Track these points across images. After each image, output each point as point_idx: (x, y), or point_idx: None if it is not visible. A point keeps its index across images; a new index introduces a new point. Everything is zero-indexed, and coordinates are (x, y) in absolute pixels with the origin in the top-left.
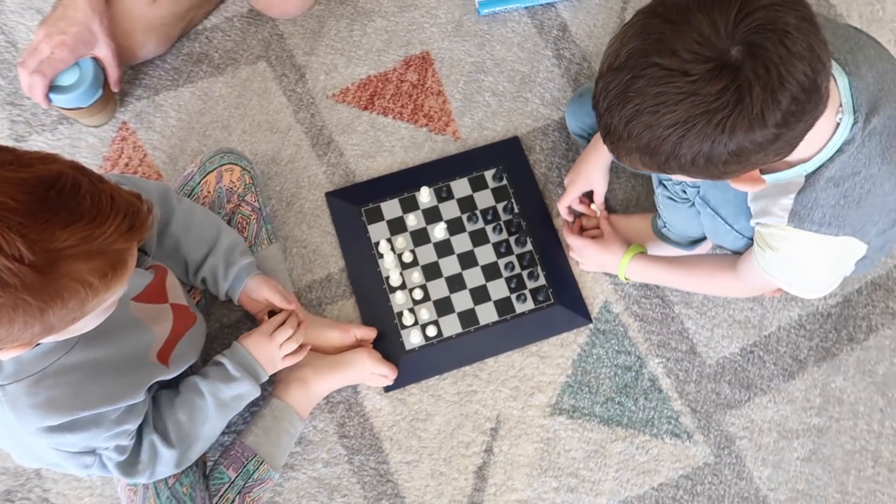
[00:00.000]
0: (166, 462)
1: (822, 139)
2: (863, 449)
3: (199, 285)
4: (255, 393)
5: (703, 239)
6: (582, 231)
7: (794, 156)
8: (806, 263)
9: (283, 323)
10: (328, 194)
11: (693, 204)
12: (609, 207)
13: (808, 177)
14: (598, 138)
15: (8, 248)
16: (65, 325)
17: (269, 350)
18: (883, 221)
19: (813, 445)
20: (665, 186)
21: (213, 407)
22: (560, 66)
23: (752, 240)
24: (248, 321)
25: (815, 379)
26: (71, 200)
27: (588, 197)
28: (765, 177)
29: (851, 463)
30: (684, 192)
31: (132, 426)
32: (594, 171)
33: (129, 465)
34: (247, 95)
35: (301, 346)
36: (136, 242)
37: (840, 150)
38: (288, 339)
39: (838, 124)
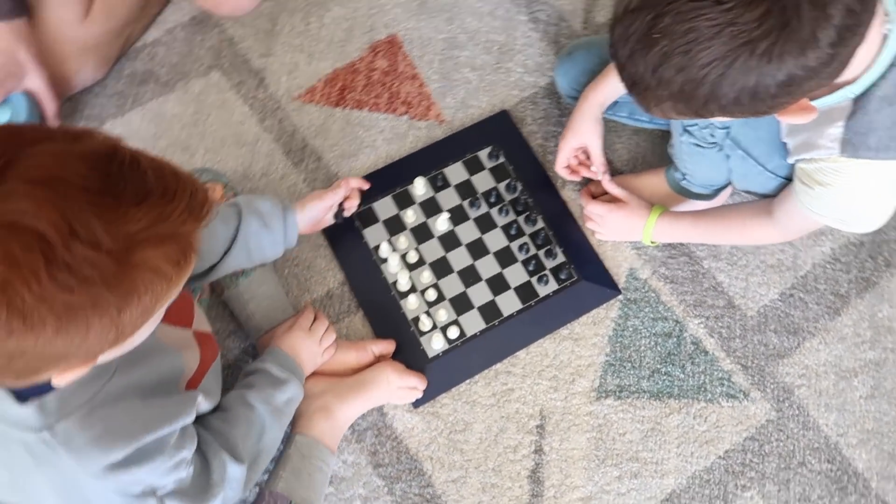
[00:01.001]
0: (236, 482)
1: (868, 55)
2: None
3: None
4: (301, 395)
5: (725, 187)
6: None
7: (840, 79)
8: (862, 195)
9: (315, 319)
10: None
11: (721, 148)
12: (615, 169)
13: (857, 99)
14: (586, 91)
15: (84, 233)
16: (132, 332)
17: (311, 346)
18: None
19: (873, 381)
20: (690, 133)
21: (269, 416)
22: (537, 30)
23: (785, 179)
24: (247, 357)
25: (861, 312)
26: (135, 175)
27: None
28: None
29: None
30: (712, 135)
31: (188, 452)
32: (582, 121)
33: (202, 489)
34: (204, 111)
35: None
36: (202, 224)
37: (893, 64)
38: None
39: (886, 36)
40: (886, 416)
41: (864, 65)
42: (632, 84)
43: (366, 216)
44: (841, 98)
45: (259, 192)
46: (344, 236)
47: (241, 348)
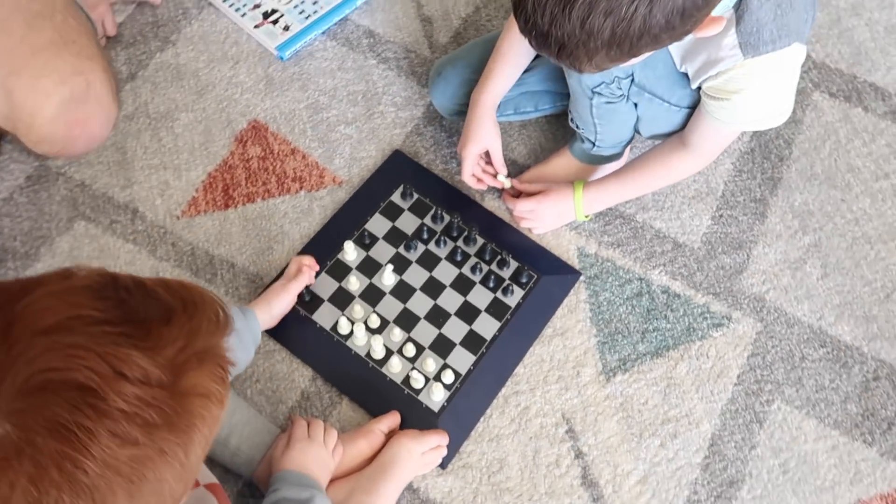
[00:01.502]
0: None
1: None
2: (854, 239)
3: None
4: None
5: (629, 143)
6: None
7: None
8: (775, 87)
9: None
10: None
11: (628, 98)
12: (520, 165)
13: (737, 7)
14: (473, 95)
15: (129, 370)
16: (197, 472)
17: (318, 453)
18: (809, 17)
19: (820, 261)
20: (600, 94)
21: None
22: (391, 68)
23: (689, 109)
24: (248, 500)
25: (781, 206)
26: (148, 296)
27: (489, 168)
28: None
29: (855, 256)
30: (619, 87)
31: None
32: (480, 126)
33: None
34: (82, 266)
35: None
36: (229, 332)
37: None
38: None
39: None
40: (844, 287)
41: None
42: (560, 48)
43: (308, 302)
44: (724, 10)
45: None
46: (293, 330)
47: (235, 493)
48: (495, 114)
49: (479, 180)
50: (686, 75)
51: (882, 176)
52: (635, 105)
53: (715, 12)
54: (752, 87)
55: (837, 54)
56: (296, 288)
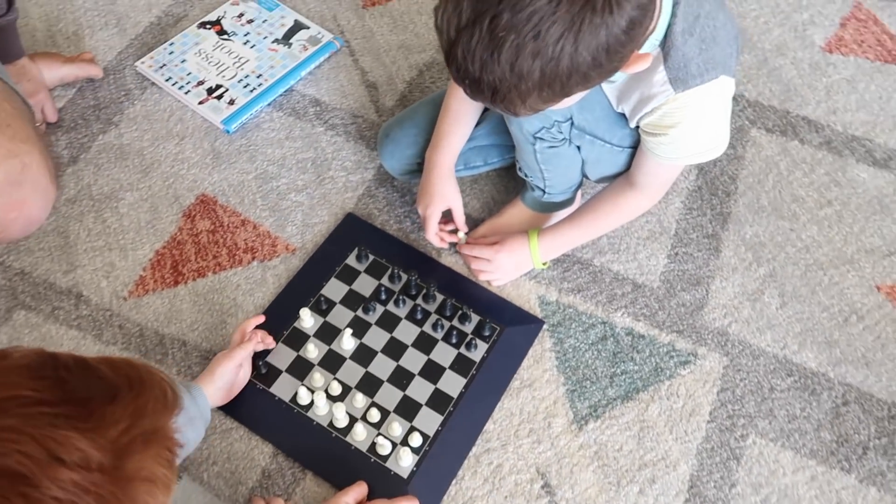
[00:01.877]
0: None
1: (657, 3)
2: (807, 267)
3: None
4: None
5: (579, 187)
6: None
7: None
8: (709, 119)
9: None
10: None
11: (570, 142)
12: (475, 219)
13: (662, 45)
14: (429, 155)
15: (68, 455)
16: None
17: None
18: (733, 51)
19: (777, 291)
20: (542, 139)
21: None
22: (339, 134)
23: (632, 149)
24: None
25: (733, 240)
26: (90, 374)
27: (448, 220)
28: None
29: (811, 283)
30: (560, 131)
31: None
32: (443, 184)
33: None
34: (20, 347)
35: None
36: (177, 412)
37: (675, 3)
38: None
39: None
40: (804, 314)
41: (657, 12)
42: (493, 92)
43: (265, 374)
44: (650, 48)
45: None
46: (251, 405)
47: None
48: (454, 172)
49: (442, 239)
50: (624, 115)
51: (825, 203)
52: (578, 148)
53: (643, 50)
54: (686, 120)
55: (769, 92)
56: (240, 355)
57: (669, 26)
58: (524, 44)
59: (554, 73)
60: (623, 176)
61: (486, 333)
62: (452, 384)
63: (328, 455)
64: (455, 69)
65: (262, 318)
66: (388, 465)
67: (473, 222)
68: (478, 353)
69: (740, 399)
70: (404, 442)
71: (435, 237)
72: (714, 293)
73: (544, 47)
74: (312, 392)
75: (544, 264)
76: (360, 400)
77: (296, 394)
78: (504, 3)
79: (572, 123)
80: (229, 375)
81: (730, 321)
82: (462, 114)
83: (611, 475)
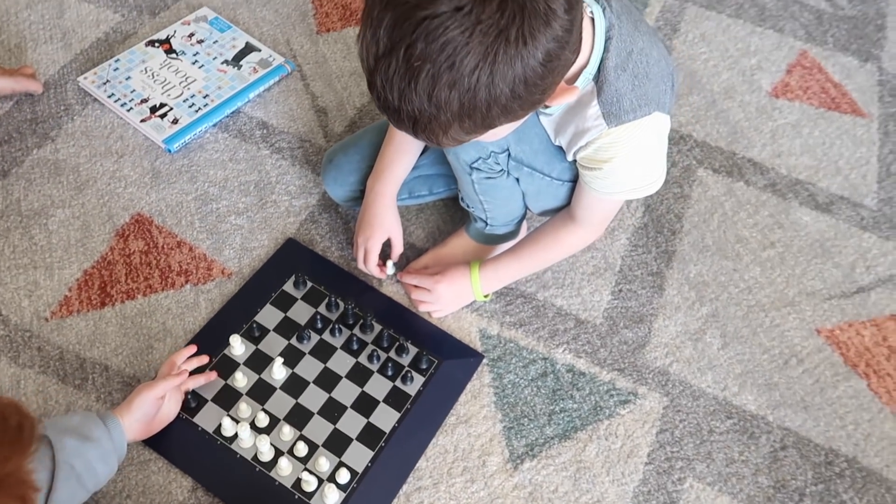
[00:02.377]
0: None
1: (588, 38)
2: (749, 308)
3: None
4: None
5: (522, 219)
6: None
7: (576, 65)
8: (642, 154)
9: None
10: None
11: (508, 174)
12: (418, 249)
13: (596, 79)
14: (370, 184)
15: None
16: None
17: None
18: (668, 88)
19: (719, 331)
20: (478, 169)
21: None
22: (285, 157)
23: (572, 182)
24: None
25: (677, 279)
26: None
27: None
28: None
29: (752, 324)
30: (497, 162)
31: None
32: (384, 215)
33: None
34: None
35: None
36: (30, 454)
37: (608, 38)
38: None
39: (592, 18)
40: (744, 355)
41: (589, 47)
42: (413, 122)
43: (188, 403)
44: (584, 82)
45: None
46: (171, 436)
47: None
48: (395, 202)
49: (382, 268)
50: (562, 148)
51: (768, 245)
52: (517, 180)
53: (578, 83)
54: (620, 155)
55: (716, 133)
56: (163, 386)
57: (602, 61)
58: (439, 74)
59: (472, 103)
60: (565, 210)
61: (424, 366)
62: (385, 418)
63: (250, 491)
64: (376, 97)
65: (193, 349)
66: (312, 502)
67: (417, 251)
68: (414, 386)
69: (679, 441)
70: (331, 478)
71: (375, 268)
72: (656, 331)
73: (460, 78)
74: (237, 423)
75: (486, 296)
76: (287, 433)
77: (220, 425)
78: (418, 32)
79: (509, 155)
80: (148, 407)
81: (671, 360)
82: (406, 142)
83: None
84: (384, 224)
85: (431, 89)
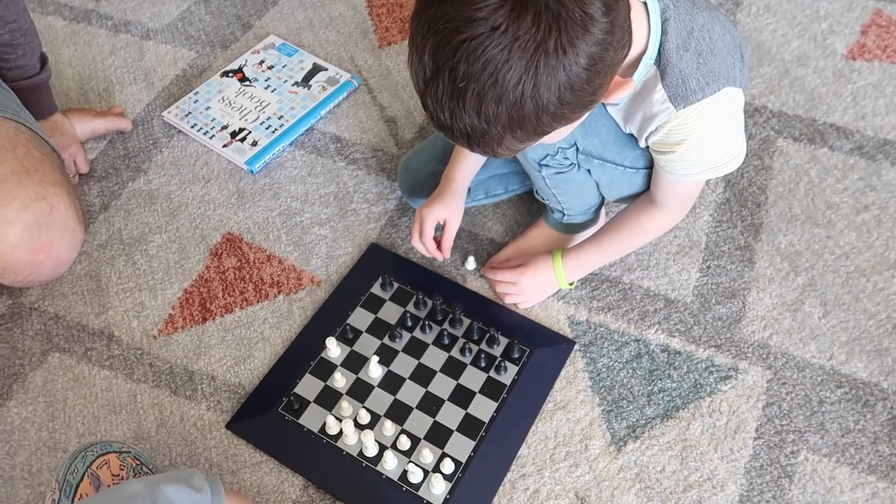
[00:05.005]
0: None
1: (643, 24)
2: (848, 274)
3: None
4: None
5: (600, 206)
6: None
7: (634, 53)
8: (716, 133)
9: None
10: (230, 425)
11: (579, 167)
12: (498, 244)
13: (658, 62)
14: (445, 172)
15: None
16: None
17: None
18: (736, 61)
19: (818, 299)
20: (548, 165)
21: None
22: (360, 168)
23: (647, 169)
24: None
25: (767, 251)
26: None
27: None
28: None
29: (853, 290)
30: (566, 157)
31: None
32: (451, 196)
33: None
34: (57, 398)
35: None
36: None
37: (664, 20)
38: None
39: (645, 3)
40: (848, 322)
41: (645, 32)
42: (468, 138)
43: (292, 405)
44: (646, 68)
45: (161, 449)
46: (280, 438)
47: None
48: (465, 193)
49: (424, 244)
50: (633, 136)
51: (862, 209)
52: (589, 171)
53: (641, 73)
54: (693, 136)
55: (793, 101)
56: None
57: (662, 44)
58: (485, 91)
59: (520, 115)
60: (645, 194)
61: (516, 356)
62: (483, 409)
63: (359, 485)
64: (430, 117)
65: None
66: (420, 493)
67: (497, 246)
68: (508, 376)
69: (788, 414)
70: (436, 469)
71: (431, 242)
72: (751, 305)
73: (504, 93)
74: (341, 421)
75: (571, 284)
76: (389, 428)
77: (324, 424)
78: (459, 55)
79: (577, 149)
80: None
81: (770, 333)
82: None
83: (654, 498)
84: (449, 203)
85: (479, 106)
